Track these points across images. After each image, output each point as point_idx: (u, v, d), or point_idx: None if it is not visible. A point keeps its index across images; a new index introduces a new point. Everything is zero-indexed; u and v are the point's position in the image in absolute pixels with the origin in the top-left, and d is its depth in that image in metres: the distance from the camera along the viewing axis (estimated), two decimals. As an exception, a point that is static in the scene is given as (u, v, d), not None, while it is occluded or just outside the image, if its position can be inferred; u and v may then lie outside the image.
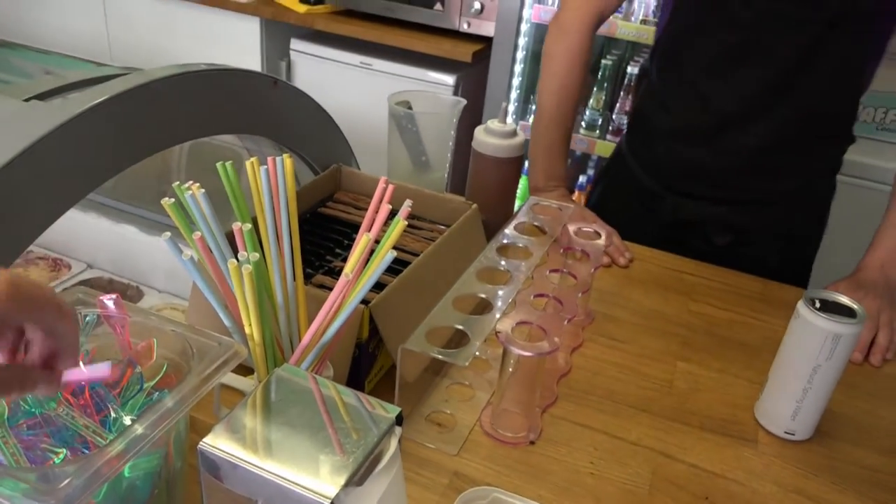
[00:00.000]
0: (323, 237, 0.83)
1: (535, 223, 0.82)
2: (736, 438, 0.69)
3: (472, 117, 1.80)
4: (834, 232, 1.11)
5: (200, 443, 0.40)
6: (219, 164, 0.55)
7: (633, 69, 1.94)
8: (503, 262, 0.72)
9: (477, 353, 0.75)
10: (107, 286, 1.10)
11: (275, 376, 0.45)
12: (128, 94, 0.67)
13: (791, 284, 0.96)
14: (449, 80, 2.10)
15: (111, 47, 2.60)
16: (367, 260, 0.54)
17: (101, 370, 0.41)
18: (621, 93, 1.99)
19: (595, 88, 2.00)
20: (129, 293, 1.09)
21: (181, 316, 0.98)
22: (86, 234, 1.12)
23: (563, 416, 0.70)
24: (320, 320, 0.54)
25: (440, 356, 0.58)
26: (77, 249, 1.15)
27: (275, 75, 0.89)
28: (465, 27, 2.09)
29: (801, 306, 0.66)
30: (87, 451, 0.45)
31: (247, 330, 0.54)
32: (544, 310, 0.69)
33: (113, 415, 0.47)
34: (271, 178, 0.55)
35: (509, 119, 2.13)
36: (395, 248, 0.54)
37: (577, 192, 2.15)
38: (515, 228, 0.79)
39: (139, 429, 0.41)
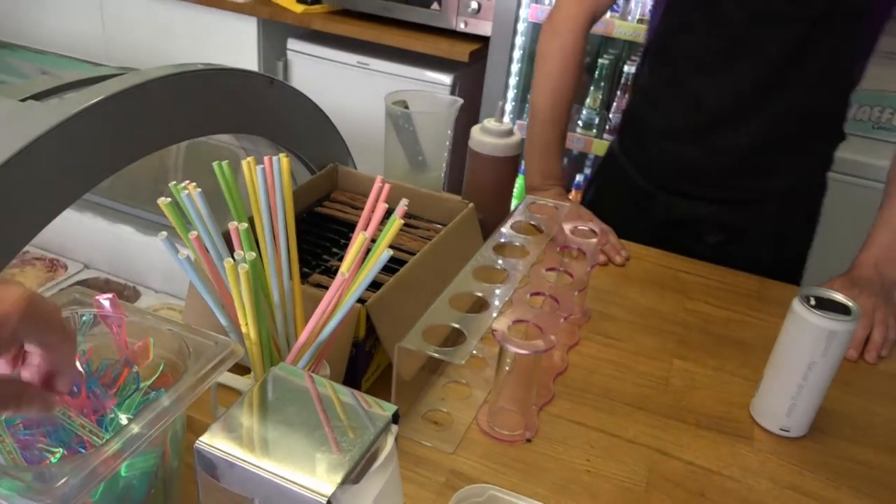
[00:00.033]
0: (320, 236, 0.83)
1: (532, 222, 0.82)
2: (731, 435, 0.70)
3: (469, 117, 1.80)
4: (830, 230, 1.11)
5: (197, 441, 0.40)
6: (215, 164, 0.55)
7: (629, 68, 1.94)
8: (500, 261, 0.72)
9: (474, 352, 0.75)
10: (103, 286, 1.10)
11: (271, 375, 0.45)
12: (124, 94, 0.67)
13: (784, 282, 0.96)
14: (446, 79, 2.10)
15: (108, 47, 2.60)
16: (364, 259, 0.54)
17: None
18: (618, 92, 1.99)
19: (592, 87, 2.01)
20: (125, 293, 1.09)
21: (178, 316, 0.98)
22: (82, 235, 1.12)
23: (559, 413, 0.70)
24: (316, 319, 0.54)
25: (437, 354, 0.58)
26: (74, 250, 1.15)
27: (272, 75, 0.89)
28: (461, 27, 2.09)
29: (796, 304, 0.66)
30: (83, 451, 0.45)
31: (243, 329, 0.54)
32: (541, 308, 0.69)
33: (110, 414, 0.47)
34: (268, 177, 0.55)
35: (507, 118, 2.13)
36: (391, 247, 0.54)
37: (573, 191, 2.15)
38: (512, 227, 0.79)
39: (135, 428, 0.41)
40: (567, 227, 0.82)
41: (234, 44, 2.35)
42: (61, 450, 0.45)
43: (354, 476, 0.39)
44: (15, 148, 0.58)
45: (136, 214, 1.12)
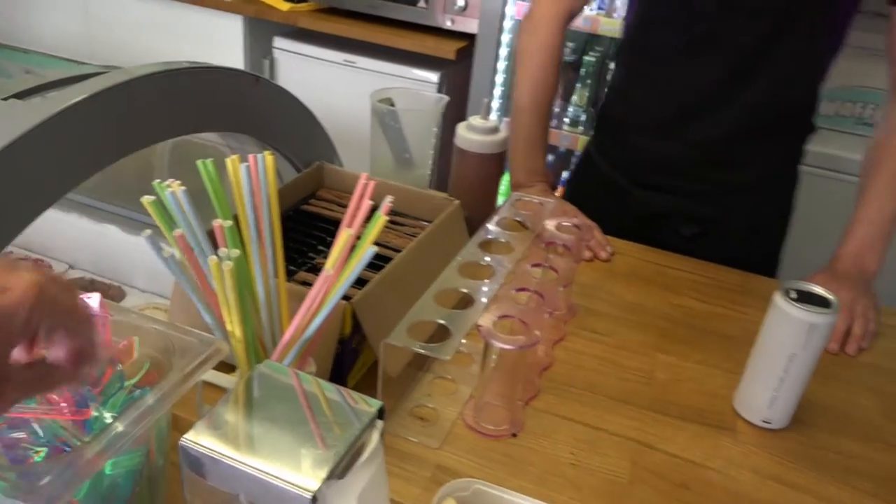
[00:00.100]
0: (306, 234, 0.83)
1: (517, 218, 0.82)
2: (714, 428, 0.70)
3: (456, 114, 1.81)
4: (812, 225, 1.13)
5: (181, 439, 0.40)
6: (199, 162, 0.55)
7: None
8: (485, 258, 0.73)
9: (460, 348, 0.76)
10: (88, 286, 1.10)
11: (257, 372, 0.46)
12: (108, 93, 0.66)
13: (761, 275, 0.98)
14: (433, 77, 2.10)
15: (92, 46, 2.58)
16: (349, 256, 0.54)
17: None
18: (605, 89, 2.00)
19: (578, 85, 2.01)
20: (111, 293, 1.08)
21: (164, 315, 0.97)
22: (67, 235, 1.12)
23: (544, 408, 0.71)
24: (301, 316, 0.54)
25: (422, 351, 0.58)
26: (58, 250, 1.15)
27: (258, 73, 0.89)
28: (448, 24, 2.09)
29: (778, 297, 0.67)
30: (68, 450, 0.45)
31: (228, 327, 0.54)
32: (526, 304, 0.70)
33: (94, 413, 0.47)
34: (252, 175, 0.55)
35: (493, 115, 2.13)
36: (377, 244, 0.54)
37: (560, 188, 2.16)
38: (498, 224, 0.79)
39: (120, 426, 0.41)
40: (552, 224, 0.82)
41: (220, 42, 2.34)
42: (45, 449, 0.45)
43: (340, 471, 0.40)
44: (-3, 147, 0.57)
45: (121, 214, 1.11)
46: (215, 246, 0.53)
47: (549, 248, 0.80)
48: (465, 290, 0.67)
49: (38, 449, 0.45)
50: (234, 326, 0.54)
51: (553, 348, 0.79)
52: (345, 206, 0.57)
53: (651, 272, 0.97)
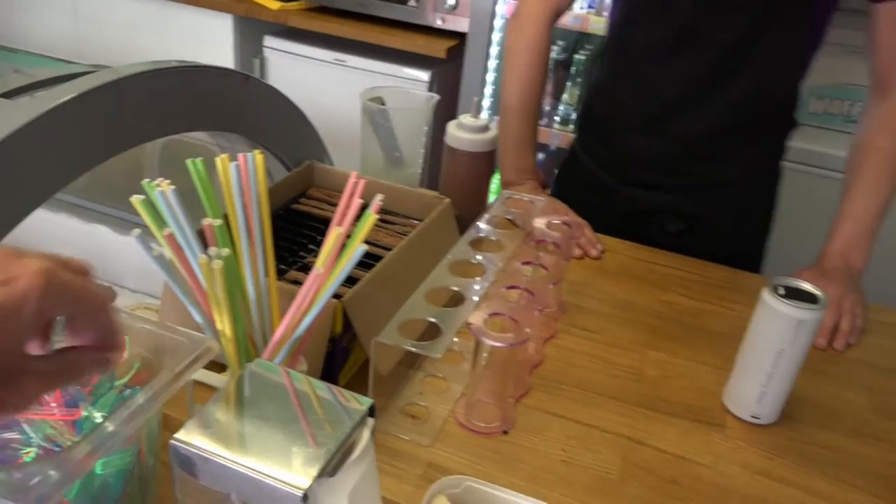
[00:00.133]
0: (296, 233, 0.83)
1: (508, 216, 0.83)
2: (704, 423, 0.71)
3: (447, 113, 1.81)
4: (803, 221, 1.14)
5: (172, 438, 0.40)
6: (189, 161, 0.55)
7: (605, 64, 1.96)
8: (476, 256, 0.73)
9: (452, 347, 0.76)
10: (79, 286, 1.09)
11: (247, 371, 0.46)
12: (97, 92, 0.66)
13: (747, 271, 0.99)
14: (423, 76, 2.10)
15: (81, 45, 2.56)
16: (339, 254, 0.55)
17: None
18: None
19: (569, 83, 2.02)
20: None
21: (154, 315, 0.97)
22: (56, 235, 1.11)
23: (535, 405, 0.71)
24: (292, 314, 0.54)
25: (413, 349, 0.59)
26: (47, 250, 1.14)
27: (248, 72, 0.89)
28: (439, 23, 2.09)
29: (766, 293, 0.68)
30: (58, 449, 0.45)
31: (218, 326, 0.54)
32: (517, 302, 0.70)
33: (84, 413, 0.47)
34: (242, 174, 0.55)
35: (485, 114, 2.14)
36: (368, 242, 0.54)
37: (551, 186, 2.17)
38: (488, 222, 0.80)
39: (110, 426, 0.41)
40: (542, 222, 0.83)
41: (210, 41, 2.33)
42: (35, 448, 0.45)
43: (331, 469, 0.40)
44: (-16, 147, 0.57)
45: (110, 214, 1.11)
46: (205, 245, 0.53)
47: (539, 246, 0.80)
48: (455, 289, 0.68)
49: (28, 449, 0.44)
50: (224, 325, 0.54)
51: (544, 346, 0.80)
52: (335, 205, 0.57)
53: (640, 269, 0.97)
